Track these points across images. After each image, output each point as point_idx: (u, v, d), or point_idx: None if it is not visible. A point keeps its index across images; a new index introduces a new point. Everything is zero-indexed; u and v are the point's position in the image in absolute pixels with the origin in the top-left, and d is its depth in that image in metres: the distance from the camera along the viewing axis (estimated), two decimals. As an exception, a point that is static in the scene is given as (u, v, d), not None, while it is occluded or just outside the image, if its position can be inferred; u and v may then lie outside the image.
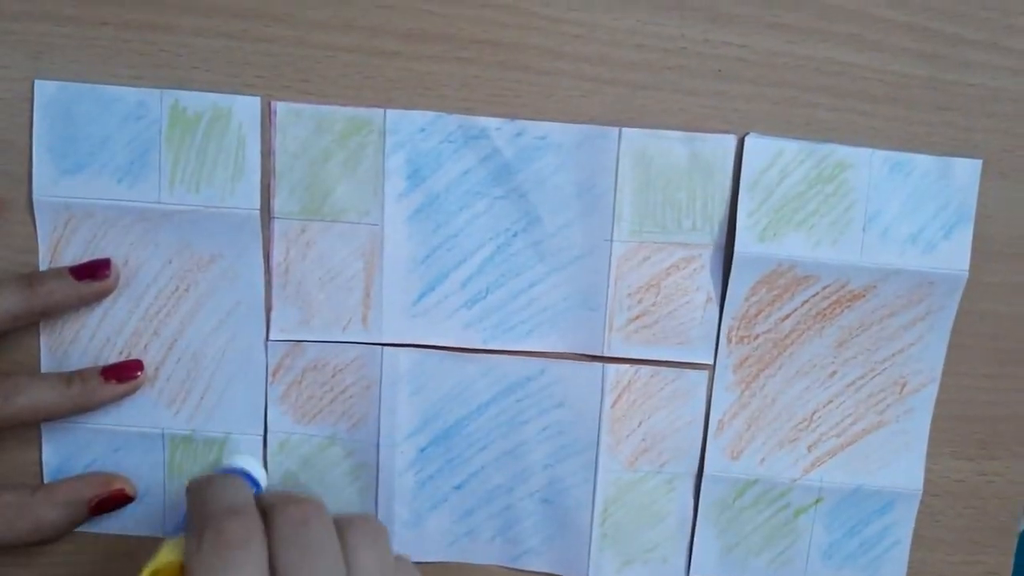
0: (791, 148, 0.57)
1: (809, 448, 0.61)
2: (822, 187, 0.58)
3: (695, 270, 0.58)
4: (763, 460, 0.61)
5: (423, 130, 0.56)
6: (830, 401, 0.60)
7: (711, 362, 0.60)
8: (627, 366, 0.59)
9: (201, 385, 0.60)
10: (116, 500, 0.58)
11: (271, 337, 0.59)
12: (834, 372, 0.60)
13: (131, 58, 0.56)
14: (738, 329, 0.59)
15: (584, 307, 0.58)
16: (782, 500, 0.61)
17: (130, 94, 0.56)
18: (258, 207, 0.57)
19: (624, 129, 0.56)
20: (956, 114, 0.58)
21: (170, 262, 0.58)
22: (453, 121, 0.56)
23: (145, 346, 0.59)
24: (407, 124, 0.56)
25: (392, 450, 0.60)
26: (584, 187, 0.57)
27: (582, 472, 0.60)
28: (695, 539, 0.61)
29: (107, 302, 0.58)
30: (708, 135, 0.57)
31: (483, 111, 0.57)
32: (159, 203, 0.57)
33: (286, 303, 0.58)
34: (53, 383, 0.56)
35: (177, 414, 0.60)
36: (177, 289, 0.59)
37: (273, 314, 0.58)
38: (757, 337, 0.60)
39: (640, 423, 0.60)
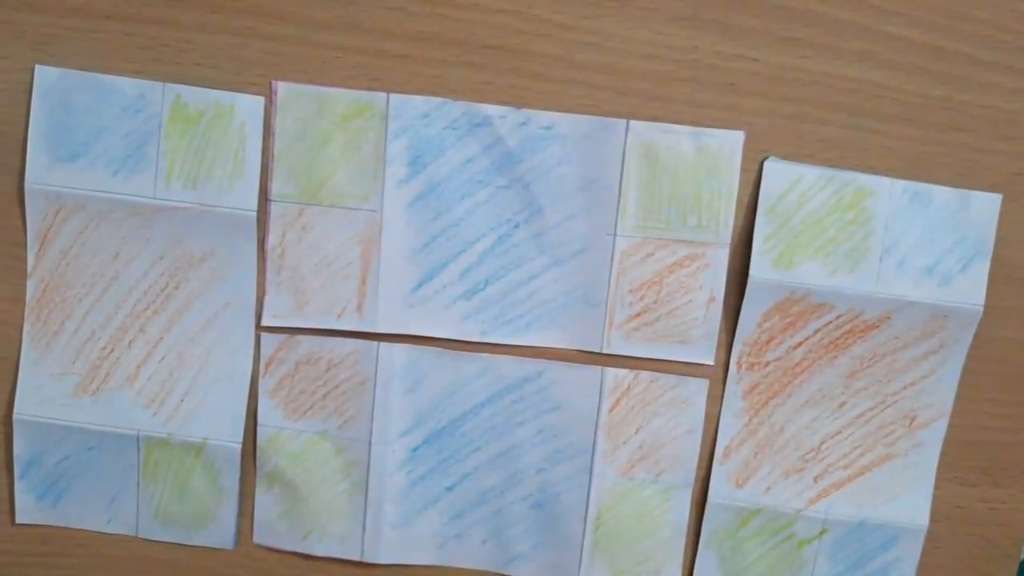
0: (811, 174, 0.56)
1: (815, 479, 0.59)
2: (841, 214, 0.57)
3: (698, 268, 0.57)
4: (768, 489, 0.59)
5: (426, 116, 0.55)
6: (839, 432, 0.59)
7: (712, 363, 0.58)
8: (626, 370, 0.58)
9: (183, 387, 0.58)
10: None
11: (263, 323, 0.57)
12: (844, 403, 0.59)
13: (133, 52, 0.56)
14: (749, 355, 0.58)
15: (584, 302, 0.57)
16: (786, 531, 0.60)
17: (131, 86, 0.56)
18: (255, 207, 0.56)
19: (632, 122, 0.56)
20: (969, 135, 0.57)
21: (161, 258, 0.57)
22: (457, 108, 0.55)
23: (130, 343, 0.58)
24: (410, 109, 0.55)
25: (384, 448, 0.58)
26: (588, 179, 0.56)
27: (576, 477, 0.59)
28: (696, 567, 0.60)
29: (94, 294, 0.57)
30: (716, 130, 0.56)
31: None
32: (154, 198, 0.56)
33: (280, 288, 0.57)
34: None
35: (155, 415, 0.59)
36: (167, 286, 0.57)
37: (266, 299, 0.57)
38: (767, 364, 0.58)
39: (638, 429, 0.59)
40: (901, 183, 0.57)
